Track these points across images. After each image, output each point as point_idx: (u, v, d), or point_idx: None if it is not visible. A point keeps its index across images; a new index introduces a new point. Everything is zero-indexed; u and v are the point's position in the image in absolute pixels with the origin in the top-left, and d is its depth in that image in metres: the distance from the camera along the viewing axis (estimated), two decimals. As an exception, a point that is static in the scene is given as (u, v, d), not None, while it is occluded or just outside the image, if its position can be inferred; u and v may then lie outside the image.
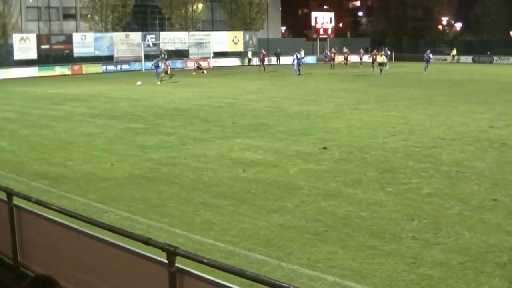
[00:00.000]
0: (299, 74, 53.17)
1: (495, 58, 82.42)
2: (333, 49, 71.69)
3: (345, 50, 69.84)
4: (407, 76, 50.44)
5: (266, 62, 62.53)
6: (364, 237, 9.92)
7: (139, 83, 29.96)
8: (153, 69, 47.90)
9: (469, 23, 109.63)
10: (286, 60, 73.48)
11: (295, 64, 54.35)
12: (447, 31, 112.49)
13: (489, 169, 14.97)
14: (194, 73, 57.75)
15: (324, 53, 76.61)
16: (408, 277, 8.35)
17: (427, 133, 20.50)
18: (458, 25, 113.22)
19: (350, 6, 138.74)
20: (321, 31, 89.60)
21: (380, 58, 55.04)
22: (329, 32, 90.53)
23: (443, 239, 9.80)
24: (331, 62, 66.47)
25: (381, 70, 53.02)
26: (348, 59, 68.17)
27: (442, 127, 21.68)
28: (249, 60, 76.02)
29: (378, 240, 9.74)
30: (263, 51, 66.25)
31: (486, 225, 10.52)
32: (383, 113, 25.91)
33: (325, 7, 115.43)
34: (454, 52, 79.99)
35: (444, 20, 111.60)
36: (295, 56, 55.94)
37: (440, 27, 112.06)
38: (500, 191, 12.78)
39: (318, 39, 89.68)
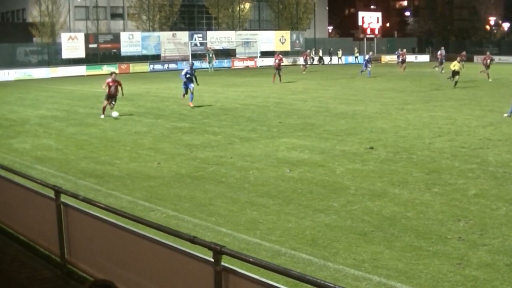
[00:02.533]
0: (369, 76, 50.12)
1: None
2: (400, 50, 62.42)
3: (401, 51, 60.75)
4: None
5: (309, 62, 62.07)
6: (410, 238, 9.89)
7: (115, 114, 25.94)
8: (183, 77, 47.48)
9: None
10: (335, 59, 73.55)
11: (365, 65, 51.16)
12: (495, 31, 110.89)
13: (538, 170, 14.76)
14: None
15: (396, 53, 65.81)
16: (454, 278, 8.30)
17: (474, 133, 20.27)
18: (506, 25, 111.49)
19: (397, 6, 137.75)
20: (368, 31, 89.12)
21: (457, 65, 39.83)
22: (376, 31, 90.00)
23: (489, 240, 9.72)
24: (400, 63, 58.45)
25: (455, 83, 39.41)
26: (405, 60, 59.51)
27: (489, 127, 21.41)
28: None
29: (424, 241, 9.70)
30: (308, 51, 66.09)
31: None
32: (429, 114, 25.68)
33: (372, 7, 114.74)
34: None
35: (491, 20, 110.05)
36: (367, 57, 52.74)
37: (487, 27, 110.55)
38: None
39: (365, 39, 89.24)
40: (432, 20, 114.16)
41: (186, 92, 29.11)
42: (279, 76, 43.81)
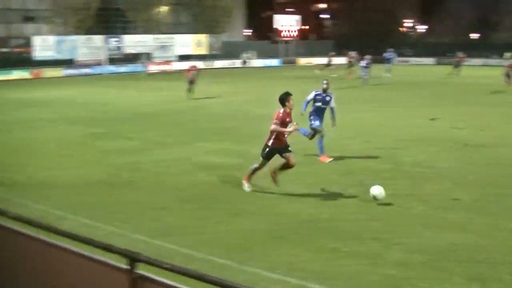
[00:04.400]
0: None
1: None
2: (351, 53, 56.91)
3: (352, 54, 55.61)
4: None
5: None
6: (326, 239, 9.90)
7: None
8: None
9: (432, 25, 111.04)
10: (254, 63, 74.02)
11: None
12: (411, 33, 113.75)
13: (451, 169, 15.10)
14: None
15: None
16: (370, 277, 8.34)
17: (389, 134, 20.62)
18: (422, 28, 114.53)
19: (315, 9, 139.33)
20: (286, 34, 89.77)
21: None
22: (293, 34, 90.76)
23: (404, 239, 9.83)
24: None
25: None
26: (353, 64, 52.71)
27: (404, 128, 21.83)
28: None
29: (340, 242, 9.72)
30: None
31: (447, 224, 10.60)
32: (344, 116, 25.98)
33: (290, 9, 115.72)
34: None
35: (408, 23, 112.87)
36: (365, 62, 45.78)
37: (403, 30, 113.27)
38: (461, 191, 12.89)
39: (282, 42, 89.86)
40: (349, 23, 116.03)
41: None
42: (191, 90, 35.40)
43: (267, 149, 12.93)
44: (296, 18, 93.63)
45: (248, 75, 58.82)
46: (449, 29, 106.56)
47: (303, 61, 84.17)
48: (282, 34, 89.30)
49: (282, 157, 12.93)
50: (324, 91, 16.99)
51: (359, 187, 13.30)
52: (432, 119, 23.21)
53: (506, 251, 9.22)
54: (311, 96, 17.18)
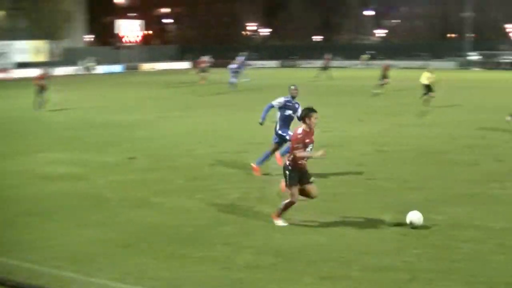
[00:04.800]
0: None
1: (300, 62, 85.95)
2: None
3: (204, 59, 54.01)
4: (215, 84, 50.57)
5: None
6: (175, 246, 9.75)
7: None
8: None
9: (276, 29, 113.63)
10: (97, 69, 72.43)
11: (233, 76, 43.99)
12: (254, 37, 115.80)
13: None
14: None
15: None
16: (221, 281, 8.29)
17: (235, 138, 20.79)
18: (265, 31, 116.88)
19: (158, 13, 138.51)
20: (128, 39, 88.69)
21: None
22: (136, 40, 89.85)
23: (254, 242, 9.87)
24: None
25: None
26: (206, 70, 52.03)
27: (251, 132, 22.05)
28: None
29: (190, 248, 9.62)
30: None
31: (295, 226, 10.74)
32: (191, 120, 26.01)
33: (132, 14, 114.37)
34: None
35: (252, 26, 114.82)
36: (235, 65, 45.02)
37: (247, 33, 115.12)
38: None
39: (125, 48, 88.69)
40: (192, 28, 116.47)
41: None
42: (41, 98, 32.55)
43: (288, 172, 10.73)
44: (139, 23, 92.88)
45: (91, 82, 57.60)
46: (292, 32, 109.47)
47: (146, 66, 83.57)
48: (124, 40, 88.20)
49: (301, 186, 10.82)
50: (294, 97, 15.24)
51: (207, 192, 13.27)
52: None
53: (354, 249, 9.46)
54: (279, 102, 15.18)
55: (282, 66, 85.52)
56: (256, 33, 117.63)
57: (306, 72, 53.36)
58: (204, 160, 17.02)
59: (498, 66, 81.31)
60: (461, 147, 18.72)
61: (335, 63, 69.82)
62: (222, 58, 59.20)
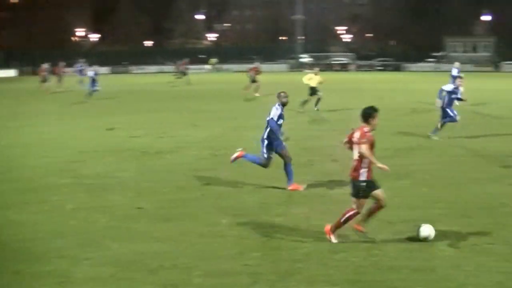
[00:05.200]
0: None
1: (132, 68, 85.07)
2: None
3: (44, 66, 50.11)
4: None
5: None
6: (8, 262, 9.31)
7: None
8: None
9: (105, 34, 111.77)
10: None
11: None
12: (84, 43, 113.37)
13: (132, 178, 15.19)
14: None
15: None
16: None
17: (68, 147, 20.18)
18: (94, 37, 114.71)
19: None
20: None
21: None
22: None
23: (92, 253, 9.60)
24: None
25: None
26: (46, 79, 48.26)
27: (84, 140, 21.56)
28: None
29: (24, 263, 9.20)
30: None
31: (133, 234, 10.61)
32: (22, 130, 25.03)
33: None
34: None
35: (80, 32, 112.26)
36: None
37: (76, 39, 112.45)
38: (143, 199, 13.00)
39: None
40: (14, 33, 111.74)
41: None
42: None
43: (363, 184, 9.67)
44: None
45: None
46: (123, 37, 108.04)
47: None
48: None
49: (371, 196, 9.85)
50: (284, 105, 14.09)
51: (42, 204, 12.78)
52: (110, 129, 23.23)
53: (194, 255, 9.45)
54: (278, 113, 13.85)
55: (113, 72, 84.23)
56: (85, 39, 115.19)
57: (140, 78, 52.72)
58: (37, 171, 16.38)
59: (329, 67, 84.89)
60: (298, 149, 19.15)
61: (166, 68, 69.80)
62: (55, 65, 56.60)
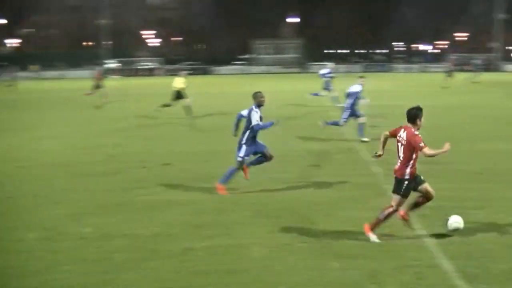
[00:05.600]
0: None
1: None
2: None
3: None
4: None
5: None
6: None
7: None
8: None
9: None
10: None
11: None
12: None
13: None
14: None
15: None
16: None
17: None
18: None
19: None
20: None
21: None
22: None
23: None
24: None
25: None
26: None
27: None
28: None
29: None
30: None
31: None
32: None
33: None
34: None
35: None
36: None
37: None
38: None
39: None
40: None
41: None
42: None
43: (406, 183, 9.83)
44: None
45: None
46: None
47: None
48: None
49: (417, 190, 10.06)
50: (260, 106, 13.50)
51: None
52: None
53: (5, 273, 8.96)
54: (259, 116, 13.36)
55: None
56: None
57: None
58: None
59: (136, 73, 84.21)
60: (104, 157, 18.74)
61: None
62: None
